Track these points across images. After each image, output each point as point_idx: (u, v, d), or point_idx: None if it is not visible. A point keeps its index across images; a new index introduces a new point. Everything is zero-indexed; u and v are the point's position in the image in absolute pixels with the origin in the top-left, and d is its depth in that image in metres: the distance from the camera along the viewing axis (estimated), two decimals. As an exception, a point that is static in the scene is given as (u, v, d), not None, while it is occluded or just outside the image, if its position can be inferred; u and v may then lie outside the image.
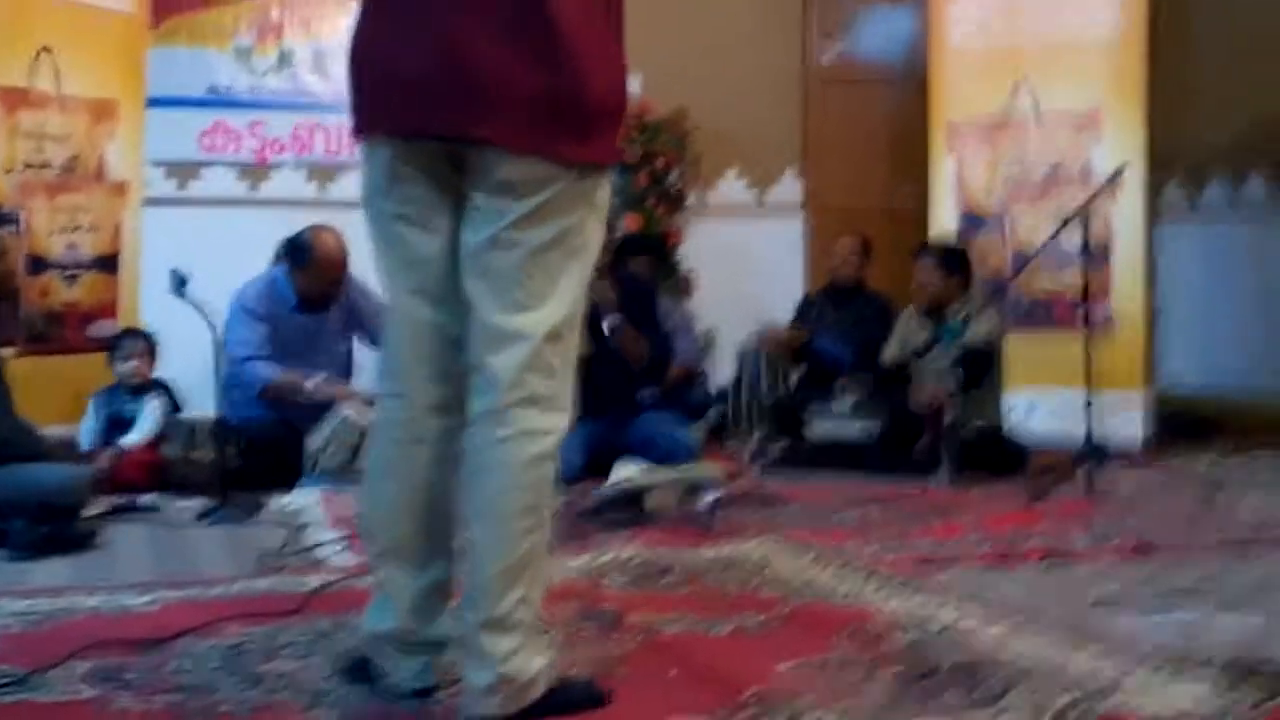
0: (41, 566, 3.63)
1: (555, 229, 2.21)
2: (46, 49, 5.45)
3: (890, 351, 5.60)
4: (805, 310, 6.35)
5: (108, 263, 5.71)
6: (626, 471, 4.53)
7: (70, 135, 5.57)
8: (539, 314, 2.21)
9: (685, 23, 6.89)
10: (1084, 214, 4.78)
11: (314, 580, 3.31)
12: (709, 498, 4.41)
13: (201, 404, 5.17)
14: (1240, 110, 6.95)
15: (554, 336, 2.23)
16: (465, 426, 2.25)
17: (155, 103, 6.16)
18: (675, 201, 7.01)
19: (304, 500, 4.66)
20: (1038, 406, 5.87)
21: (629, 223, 6.65)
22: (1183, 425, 6.19)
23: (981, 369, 5.16)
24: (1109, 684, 2.34)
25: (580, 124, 2.19)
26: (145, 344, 5.27)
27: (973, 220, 6.37)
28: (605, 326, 5.11)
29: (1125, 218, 5.94)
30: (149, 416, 5.09)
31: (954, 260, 5.53)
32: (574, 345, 2.28)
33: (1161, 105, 6.11)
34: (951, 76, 6.49)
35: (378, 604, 2.39)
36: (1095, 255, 5.07)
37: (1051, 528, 3.99)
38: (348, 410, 4.99)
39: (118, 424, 5.09)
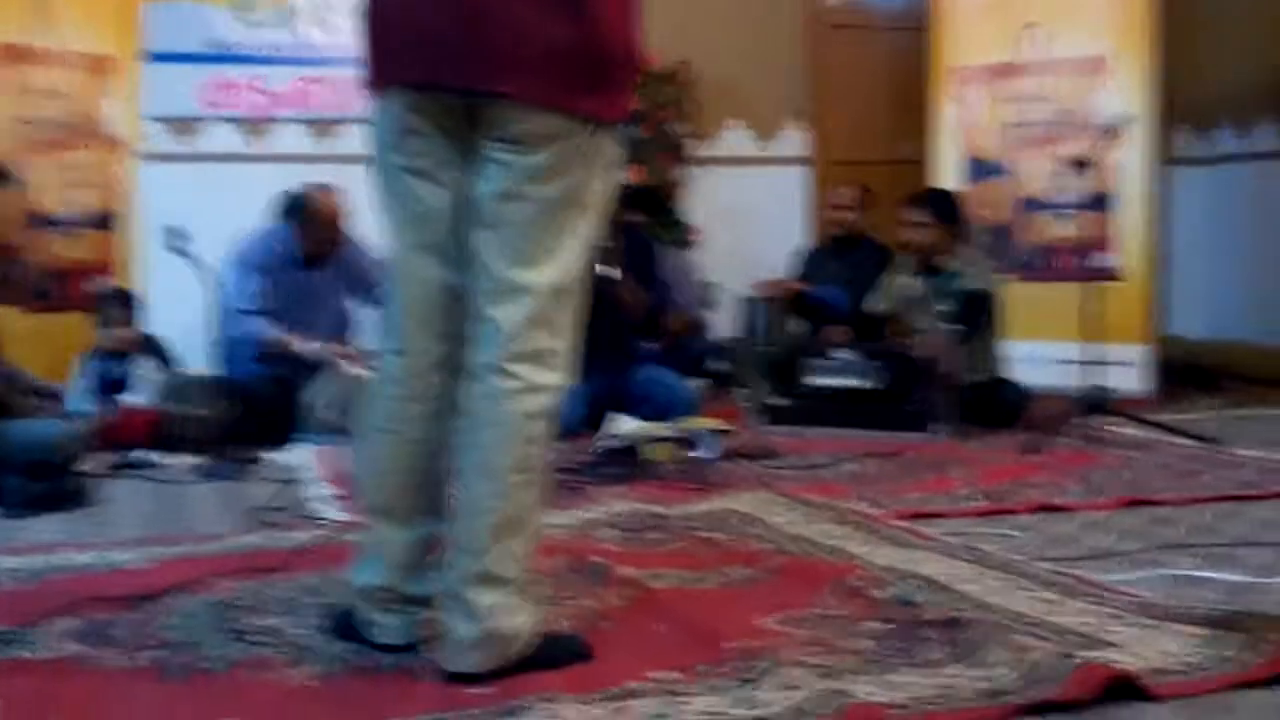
0: (34, 523, 3.64)
1: (567, 184, 2.20)
2: (44, 4, 5.42)
3: (877, 302, 5.54)
4: (806, 261, 6.31)
5: (107, 219, 5.70)
6: (623, 425, 4.54)
7: (68, 91, 5.54)
8: (546, 268, 2.20)
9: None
10: (1089, 161, 4.72)
11: (304, 536, 3.32)
12: (705, 451, 4.42)
13: (197, 360, 5.18)
14: (1250, 56, 6.88)
15: (559, 292, 2.22)
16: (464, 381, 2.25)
17: (154, 57, 6.13)
18: (677, 153, 6.97)
19: (299, 456, 4.67)
20: (1038, 357, 5.85)
21: (631, 174, 6.61)
22: (1186, 376, 6.17)
23: (979, 316, 5.11)
24: (1092, 635, 2.34)
25: (596, 79, 2.19)
26: (126, 310, 5.22)
27: (977, 167, 6.31)
28: (598, 273, 5.09)
29: (1132, 165, 5.88)
30: (145, 378, 5.08)
31: (945, 207, 5.38)
32: (579, 301, 2.28)
33: (1170, 51, 6.05)
34: (957, 21, 6.42)
35: (365, 558, 2.40)
36: (1100, 203, 5.02)
37: (1046, 480, 3.98)
38: (343, 365, 4.99)
39: (109, 385, 5.08)
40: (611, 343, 5.08)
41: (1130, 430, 4.83)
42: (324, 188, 5.32)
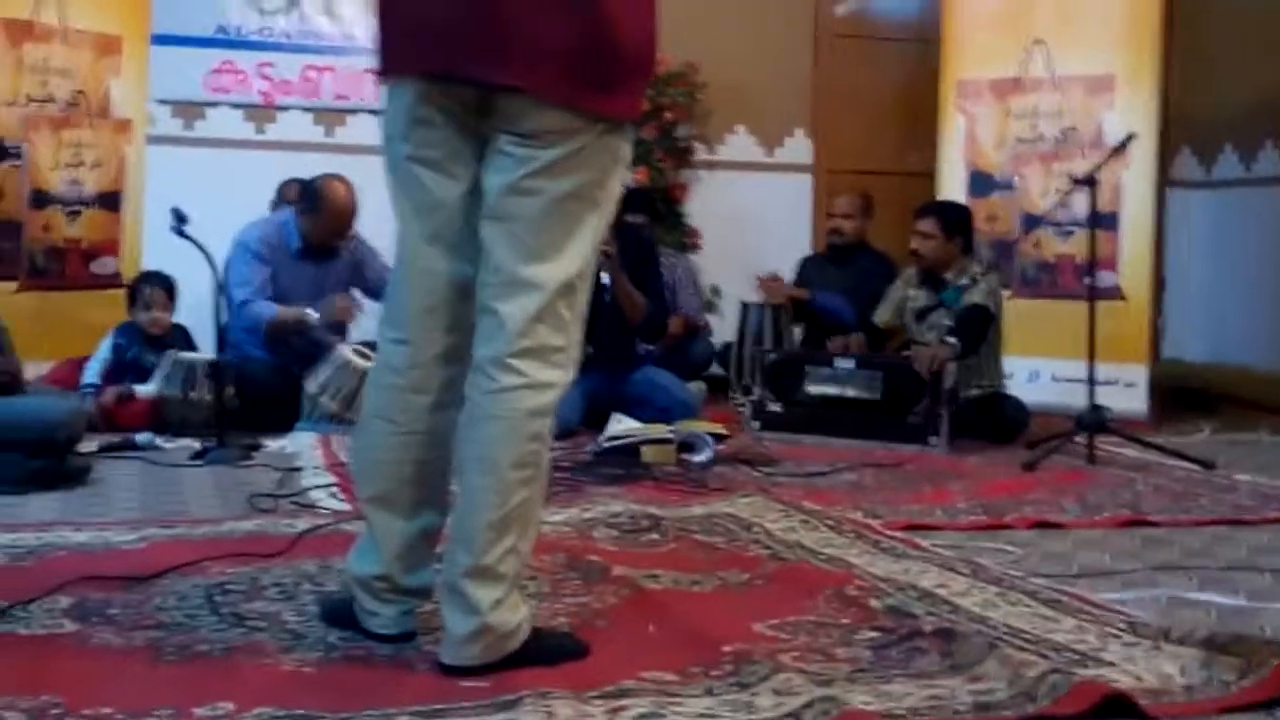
0: (32, 501, 3.64)
1: (577, 180, 2.20)
2: (54, -18, 5.42)
3: (882, 313, 5.55)
4: (807, 270, 6.32)
5: (110, 200, 5.69)
6: (622, 425, 4.54)
7: (74, 70, 5.54)
8: (554, 264, 2.20)
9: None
10: (1092, 180, 4.73)
11: (303, 523, 3.32)
12: (704, 455, 4.42)
13: (201, 344, 5.18)
14: (1255, 79, 6.89)
15: (567, 288, 2.22)
16: (468, 375, 2.24)
17: (162, 40, 6.12)
18: (683, 156, 6.97)
19: (300, 443, 4.67)
20: (1039, 375, 5.86)
21: (637, 175, 6.61)
22: (1185, 399, 6.18)
23: (980, 332, 5.12)
24: (1087, 653, 2.34)
25: (610, 78, 2.19)
26: (165, 292, 5.23)
27: (982, 181, 6.32)
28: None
29: (1135, 185, 5.89)
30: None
31: (954, 220, 5.39)
32: (585, 299, 2.28)
33: (1176, 72, 6.06)
34: (965, 34, 6.43)
35: (363, 547, 2.40)
36: (1103, 222, 5.02)
37: (1044, 496, 3.98)
38: (345, 353, 4.99)
39: (133, 368, 5.08)
40: (612, 343, 5.09)
41: (1128, 450, 4.84)
42: (340, 179, 5.29)
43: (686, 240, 6.86)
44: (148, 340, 5.13)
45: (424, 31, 2.22)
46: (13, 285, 5.29)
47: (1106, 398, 4.99)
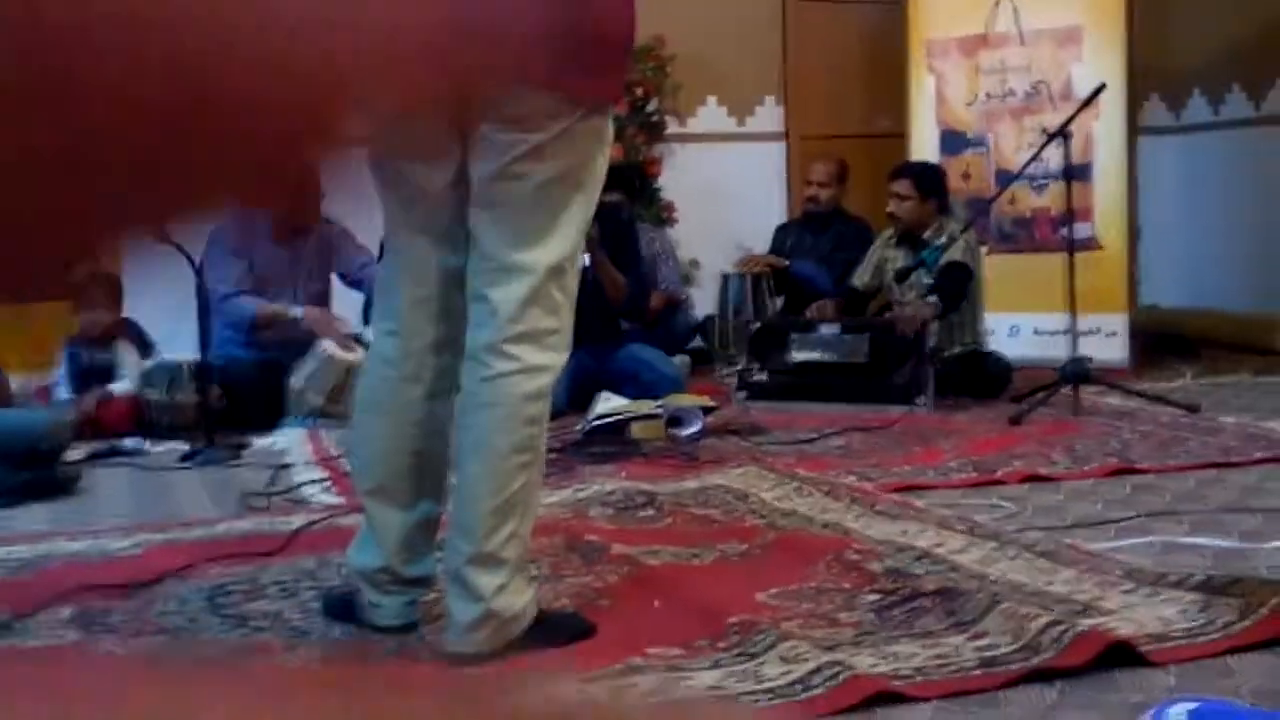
0: (23, 512, 3.63)
1: (563, 164, 2.21)
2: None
3: (861, 274, 5.57)
4: (783, 238, 6.32)
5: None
6: (609, 403, 4.54)
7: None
8: (543, 248, 2.21)
9: (660, -53, 6.80)
10: (1064, 132, 4.75)
11: (297, 520, 3.31)
12: (692, 428, 4.43)
13: (183, 345, 5.14)
14: (1220, 23, 6.91)
15: (557, 271, 2.22)
16: (461, 363, 2.25)
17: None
18: (655, 130, 6.95)
19: (287, 440, 4.66)
20: (1020, 329, 5.89)
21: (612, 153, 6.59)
22: (1165, 344, 6.21)
23: (960, 289, 5.14)
24: (1087, 604, 2.36)
25: (591, 61, 2.20)
26: (104, 291, 5.15)
27: (953, 139, 6.33)
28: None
29: (1107, 135, 5.91)
30: (129, 364, 5.05)
31: (928, 181, 5.40)
32: (575, 281, 2.28)
33: (1142, 21, 6.07)
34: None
35: (363, 540, 2.40)
36: (1076, 173, 5.04)
37: (1033, 450, 4.01)
38: (329, 347, 4.97)
39: (92, 373, 5.04)
40: (594, 322, 5.08)
41: (1112, 399, 4.87)
42: None
43: (662, 214, 6.85)
44: (96, 341, 5.07)
45: None
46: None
47: (1087, 348, 5.02)
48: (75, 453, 4.29)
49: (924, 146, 6.33)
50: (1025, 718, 1.92)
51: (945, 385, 4.99)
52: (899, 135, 6.51)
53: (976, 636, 2.20)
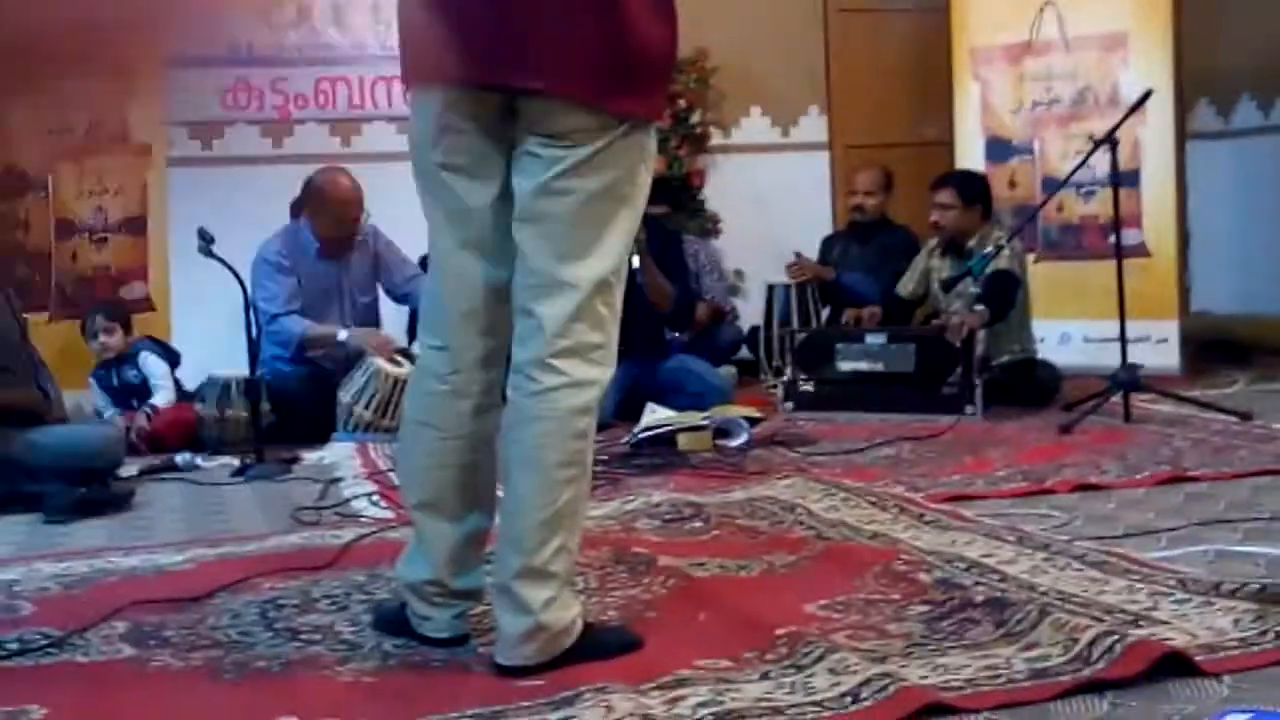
0: (78, 528, 3.68)
1: (607, 178, 2.21)
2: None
3: (906, 283, 5.54)
4: (829, 248, 6.32)
5: (135, 225, 5.74)
6: (657, 415, 4.55)
7: (93, 99, 5.58)
8: (589, 263, 2.21)
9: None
10: (1111, 139, 4.71)
11: (347, 534, 3.34)
12: (739, 439, 4.43)
13: (234, 362, 5.20)
14: (1270, 26, 6.83)
15: (602, 286, 2.23)
16: (508, 377, 2.26)
17: (176, 63, 6.15)
18: (699, 142, 6.97)
19: (337, 454, 4.69)
20: (1070, 337, 5.84)
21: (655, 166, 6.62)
22: (1216, 351, 6.15)
23: (1008, 297, 5.11)
24: (1139, 614, 2.34)
25: (633, 78, 2.20)
26: (108, 319, 5.24)
27: (1000, 147, 6.30)
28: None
29: (1155, 141, 5.86)
30: (156, 374, 5.13)
31: (971, 189, 5.38)
32: (620, 295, 2.29)
33: (1189, 26, 6.02)
34: (975, 1, 6.40)
35: (413, 553, 2.41)
36: (1125, 180, 5.00)
37: (1083, 459, 3.97)
38: (379, 361, 5.00)
39: (126, 390, 5.13)
40: (641, 334, 5.08)
41: (1163, 407, 4.82)
42: (339, 169, 5.30)
43: (707, 226, 6.86)
44: (113, 363, 5.18)
45: (446, 39, 2.23)
46: (44, 316, 5.33)
47: (1138, 355, 4.98)
48: (129, 469, 4.34)
49: (970, 154, 6.31)
50: (1077, 729, 1.90)
51: (994, 394, 4.96)
52: (944, 143, 6.49)
53: (1027, 648, 2.19)
